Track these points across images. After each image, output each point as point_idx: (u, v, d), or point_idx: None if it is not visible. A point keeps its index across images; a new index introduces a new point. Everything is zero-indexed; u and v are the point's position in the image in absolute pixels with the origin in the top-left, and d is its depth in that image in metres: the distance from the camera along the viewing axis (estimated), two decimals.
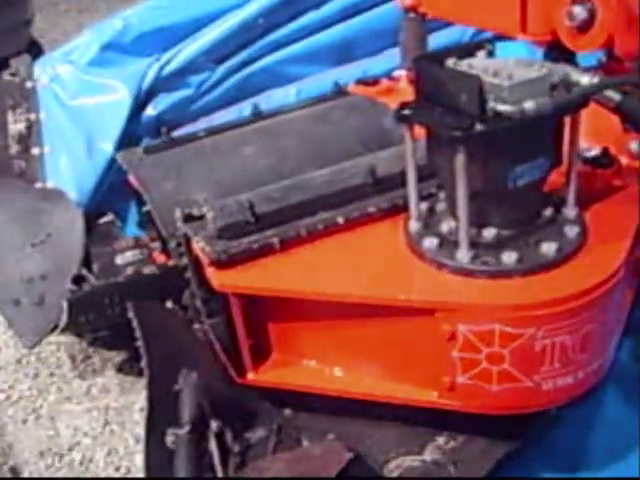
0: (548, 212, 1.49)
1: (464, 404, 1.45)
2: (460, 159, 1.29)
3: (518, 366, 1.36)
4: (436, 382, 1.45)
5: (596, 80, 1.38)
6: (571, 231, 1.44)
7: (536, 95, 1.30)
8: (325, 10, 3.05)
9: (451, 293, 1.38)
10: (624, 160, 1.74)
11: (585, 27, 1.62)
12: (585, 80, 1.39)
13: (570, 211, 1.49)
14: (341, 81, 2.39)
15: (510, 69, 1.33)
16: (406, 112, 1.38)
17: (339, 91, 2.31)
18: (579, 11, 1.62)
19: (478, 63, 1.40)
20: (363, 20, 3.11)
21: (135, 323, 1.58)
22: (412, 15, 2.30)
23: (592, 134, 1.68)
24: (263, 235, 1.56)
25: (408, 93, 2.39)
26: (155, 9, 2.84)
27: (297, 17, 3.01)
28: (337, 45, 3.08)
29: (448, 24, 2.61)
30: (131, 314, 1.59)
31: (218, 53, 2.86)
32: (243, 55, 2.91)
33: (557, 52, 1.67)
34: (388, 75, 2.57)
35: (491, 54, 1.47)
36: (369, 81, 2.46)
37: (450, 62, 1.41)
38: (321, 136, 2.08)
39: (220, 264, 1.52)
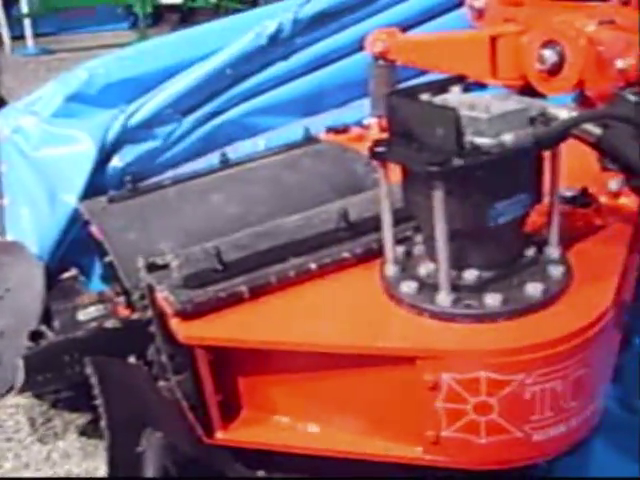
0: (530, 252, 1.43)
1: (450, 460, 1.35)
2: (438, 196, 1.23)
3: (507, 416, 1.28)
4: (420, 436, 1.35)
5: (575, 113, 1.34)
6: (556, 271, 1.38)
7: (515, 128, 1.25)
8: (293, 61, 3.04)
9: (432, 339, 1.30)
10: (603, 199, 1.70)
11: (555, 70, 1.66)
12: (564, 114, 1.35)
13: (553, 250, 1.43)
14: (310, 131, 2.34)
15: (487, 102, 1.28)
16: (380, 149, 1.32)
17: (308, 138, 2.26)
18: (549, 55, 1.66)
19: (453, 98, 1.35)
20: (331, 71, 3.12)
21: (94, 380, 1.46)
22: (382, 62, 2.30)
23: (570, 174, 1.64)
24: (231, 283, 1.47)
25: None
26: (121, 59, 2.80)
27: (265, 68, 2.99)
28: (305, 96, 3.08)
29: (419, 72, 2.58)
30: (89, 370, 1.47)
31: (185, 104, 2.82)
32: (211, 106, 2.88)
33: (529, 97, 1.64)
34: (358, 124, 2.55)
35: (467, 90, 1.43)
36: (339, 129, 2.44)
37: (424, 98, 1.36)
38: (291, 183, 2.01)
39: (185, 314, 1.43)
